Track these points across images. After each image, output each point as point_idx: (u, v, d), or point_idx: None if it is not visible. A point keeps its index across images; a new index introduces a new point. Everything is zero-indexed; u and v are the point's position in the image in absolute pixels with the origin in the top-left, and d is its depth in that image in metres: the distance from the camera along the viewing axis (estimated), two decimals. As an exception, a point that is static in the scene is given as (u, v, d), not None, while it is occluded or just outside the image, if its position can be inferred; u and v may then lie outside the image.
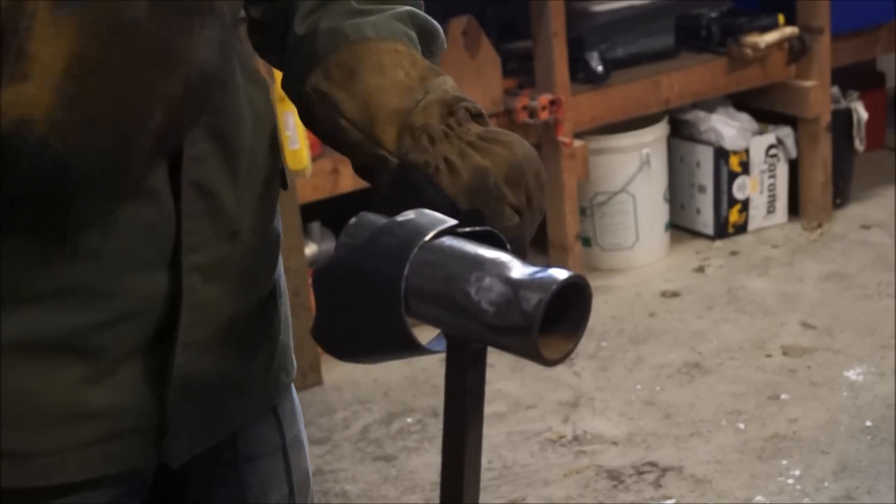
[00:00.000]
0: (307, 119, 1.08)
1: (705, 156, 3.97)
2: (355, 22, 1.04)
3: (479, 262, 0.87)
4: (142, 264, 1.00)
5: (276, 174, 1.13)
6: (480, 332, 0.87)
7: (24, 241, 0.94)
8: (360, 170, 1.06)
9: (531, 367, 3.20)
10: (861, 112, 4.13)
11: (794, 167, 4.08)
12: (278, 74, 1.15)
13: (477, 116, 1.02)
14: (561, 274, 0.85)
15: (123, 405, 1.03)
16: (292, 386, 1.22)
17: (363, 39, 1.03)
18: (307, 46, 1.06)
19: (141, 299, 1.01)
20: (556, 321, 0.86)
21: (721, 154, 3.94)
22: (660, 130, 3.89)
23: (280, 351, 1.17)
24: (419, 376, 3.31)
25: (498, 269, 0.86)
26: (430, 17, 1.09)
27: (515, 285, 0.85)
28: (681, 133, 4.02)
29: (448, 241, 0.90)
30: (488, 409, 0.95)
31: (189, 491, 1.15)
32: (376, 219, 0.94)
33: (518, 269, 0.86)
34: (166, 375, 1.03)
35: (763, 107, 4.05)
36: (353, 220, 0.96)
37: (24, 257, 0.94)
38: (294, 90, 1.09)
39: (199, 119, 0.97)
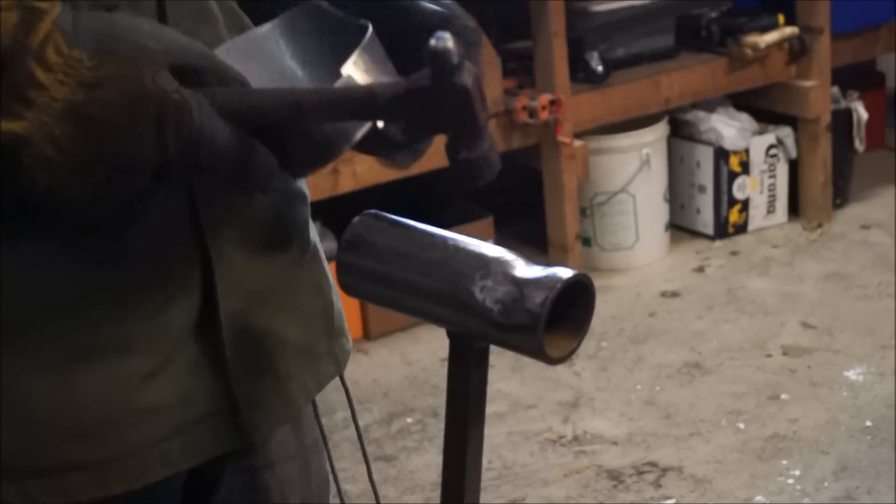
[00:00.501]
0: None
1: (705, 156, 3.97)
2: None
3: (484, 261, 0.87)
4: (168, 243, 0.99)
5: None
6: (485, 331, 0.87)
7: (48, 249, 0.93)
8: None
9: (531, 367, 3.20)
10: (861, 112, 4.13)
11: (794, 167, 4.08)
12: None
13: None
14: (565, 272, 0.85)
15: (188, 392, 1.01)
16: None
17: None
18: None
19: (179, 279, 1.00)
20: (560, 319, 0.86)
21: (721, 154, 3.94)
22: (660, 130, 3.89)
23: (337, 314, 1.15)
24: (419, 376, 3.31)
25: (502, 267, 0.87)
26: None
27: (520, 284, 0.85)
28: (681, 133, 4.02)
29: (451, 238, 0.90)
30: (488, 409, 0.95)
31: (215, 496, 1.14)
32: (379, 217, 0.94)
33: (522, 268, 0.86)
34: (221, 351, 1.02)
35: (763, 107, 4.05)
36: (356, 219, 0.96)
37: (52, 264, 0.94)
38: None
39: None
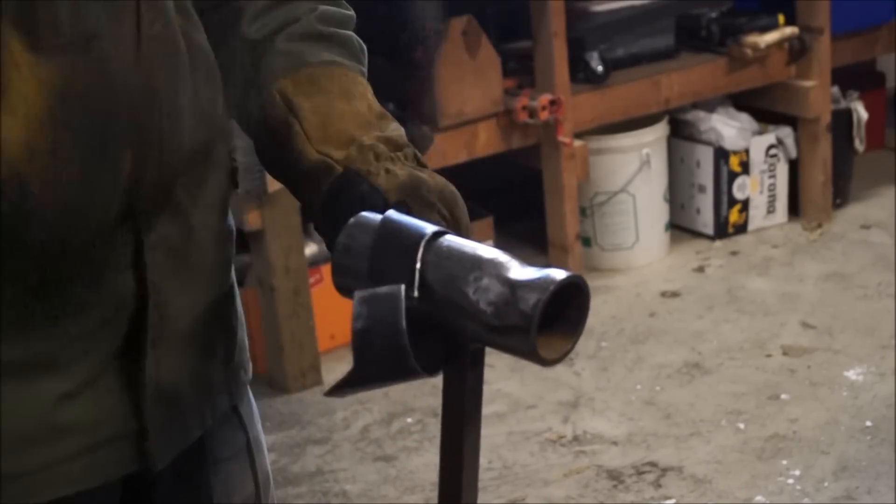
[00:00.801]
0: (253, 120, 1.10)
1: (705, 156, 3.97)
2: (323, 46, 1.10)
3: (477, 263, 0.87)
4: (109, 270, 1.00)
5: (225, 170, 1.11)
6: (478, 333, 0.87)
7: None
8: (288, 179, 1.08)
9: (531, 368, 3.19)
10: (861, 112, 4.13)
11: (794, 167, 4.08)
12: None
13: (418, 160, 1.06)
14: (559, 274, 0.85)
15: (103, 416, 1.02)
16: (248, 387, 1.22)
17: (334, 63, 1.09)
18: (266, 58, 1.10)
19: (113, 305, 1.00)
20: (555, 321, 0.86)
21: (721, 154, 3.94)
22: (660, 130, 3.89)
23: (238, 349, 1.17)
24: (419, 376, 3.31)
25: (496, 269, 0.86)
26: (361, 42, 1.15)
27: (513, 285, 0.85)
28: (681, 133, 4.02)
29: (445, 240, 0.90)
30: (488, 409, 0.95)
31: (156, 498, 1.14)
32: (374, 219, 0.94)
33: (516, 270, 0.86)
34: (140, 379, 1.03)
35: (763, 107, 4.05)
36: (351, 220, 0.96)
37: None
38: (240, 88, 1.12)
39: (173, 185, 0.98)
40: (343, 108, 1.05)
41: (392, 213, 0.94)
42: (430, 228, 0.91)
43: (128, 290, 1.01)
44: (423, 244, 0.90)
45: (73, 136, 0.90)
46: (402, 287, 0.88)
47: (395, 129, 1.06)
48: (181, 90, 1.02)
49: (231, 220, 1.15)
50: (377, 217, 0.94)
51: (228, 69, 1.12)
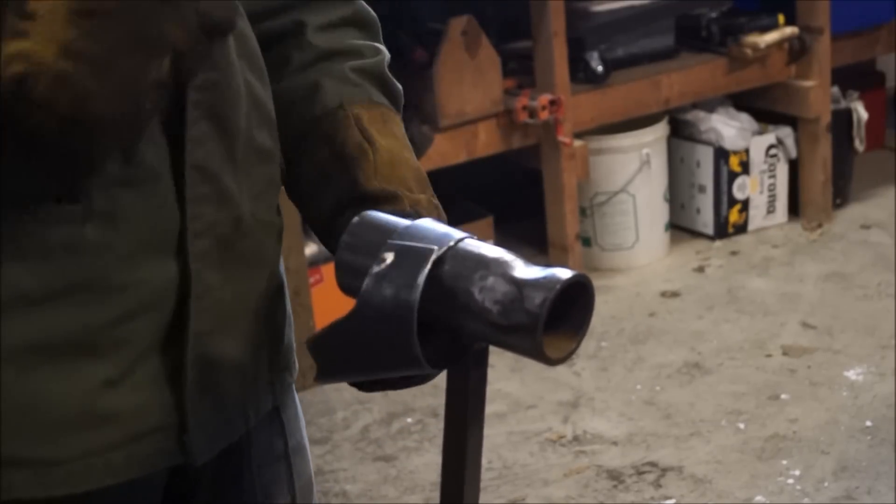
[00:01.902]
0: (307, 123, 1.13)
1: (705, 156, 3.97)
2: (386, 92, 1.18)
3: (483, 262, 0.87)
4: (151, 254, 0.99)
5: (276, 162, 1.12)
6: (484, 332, 0.87)
7: (30, 221, 0.93)
8: (316, 190, 1.12)
9: (531, 367, 3.20)
10: (861, 112, 4.13)
11: (794, 167, 4.08)
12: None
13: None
14: (565, 273, 0.85)
15: (144, 405, 1.01)
16: (294, 389, 1.22)
17: (397, 112, 1.17)
18: (332, 77, 1.14)
19: (153, 291, 1.00)
20: (560, 320, 0.86)
21: (721, 154, 3.94)
22: (660, 130, 3.89)
23: (285, 349, 1.16)
24: (419, 376, 3.31)
25: (502, 268, 0.86)
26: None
27: (519, 284, 0.85)
28: (681, 133, 4.02)
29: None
30: (488, 409, 0.95)
31: (196, 499, 1.14)
32: (378, 219, 0.94)
33: (521, 269, 0.86)
34: (182, 369, 1.02)
35: (763, 107, 4.05)
36: (355, 219, 0.96)
37: (30, 248, 0.93)
38: (297, 90, 1.14)
39: (204, 63, 0.97)
40: (408, 158, 1.11)
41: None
42: (454, 234, 0.92)
43: (169, 277, 1.00)
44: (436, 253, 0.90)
45: (104, 32, 0.87)
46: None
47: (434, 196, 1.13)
48: (232, 71, 1.03)
49: (280, 218, 1.15)
50: (381, 215, 0.94)
51: (279, 66, 1.15)
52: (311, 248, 3.36)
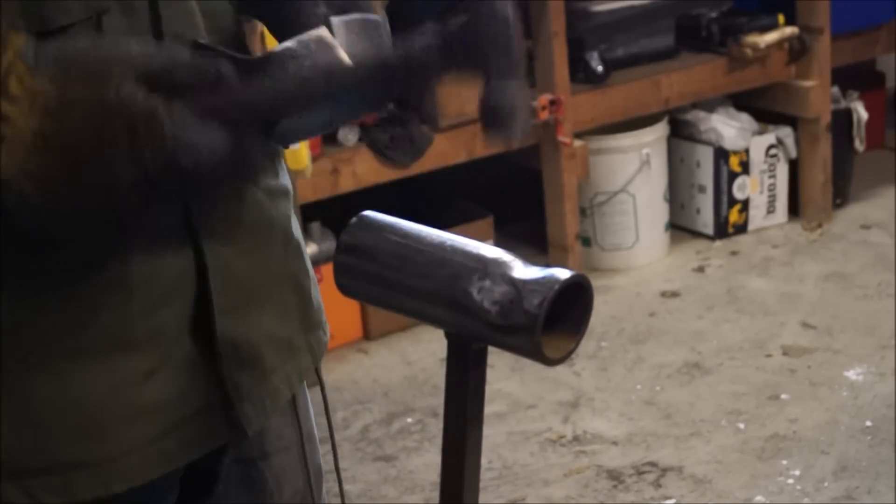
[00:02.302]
0: None
1: (705, 156, 3.97)
2: None
3: (482, 262, 0.87)
4: (165, 240, 1.00)
5: None
6: (483, 332, 0.87)
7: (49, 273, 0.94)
8: None
9: (531, 367, 3.20)
10: (861, 112, 4.13)
11: (794, 167, 4.08)
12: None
13: None
14: (563, 273, 0.85)
15: (185, 389, 1.03)
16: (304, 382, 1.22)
17: None
18: None
19: (173, 276, 1.01)
20: (558, 320, 0.86)
21: (721, 154, 3.94)
22: (660, 130, 3.89)
23: (315, 309, 1.17)
24: (419, 376, 3.31)
25: (500, 268, 0.87)
26: None
27: (518, 285, 0.85)
28: (681, 133, 4.02)
29: (449, 239, 0.90)
30: (488, 409, 0.95)
31: (213, 489, 1.15)
32: (377, 219, 0.94)
33: (520, 269, 0.86)
34: (214, 347, 1.03)
35: (763, 107, 4.05)
36: (353, 220, 0.96)
37: (49, 263, 0.94)
38: None
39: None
40: None
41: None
42: None
43: (185, 261, 1.01)
44: None
45: (73, 148, 0.89)
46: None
47: None
48: None
49: (285, 180, 1.14)
50: (379, 216, 0.94)
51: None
52: (311, 248, 3.36)
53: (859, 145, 4.16)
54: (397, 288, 0.92)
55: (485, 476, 2.76)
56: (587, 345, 3.37)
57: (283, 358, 1.12)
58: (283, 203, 1.13)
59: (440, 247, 0.90)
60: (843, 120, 4.08)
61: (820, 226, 4.05)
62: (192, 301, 1.02)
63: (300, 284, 1.15)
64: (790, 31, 3.88)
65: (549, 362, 0.86)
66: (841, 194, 4.15)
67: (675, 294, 3.68)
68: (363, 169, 3.33)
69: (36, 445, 0.98)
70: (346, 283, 0.95)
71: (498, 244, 0.90)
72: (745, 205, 4.02)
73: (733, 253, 3.92)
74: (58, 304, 0.96)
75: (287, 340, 1.12)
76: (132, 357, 0.99)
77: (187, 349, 1.03)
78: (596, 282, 3.87)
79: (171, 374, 1.02)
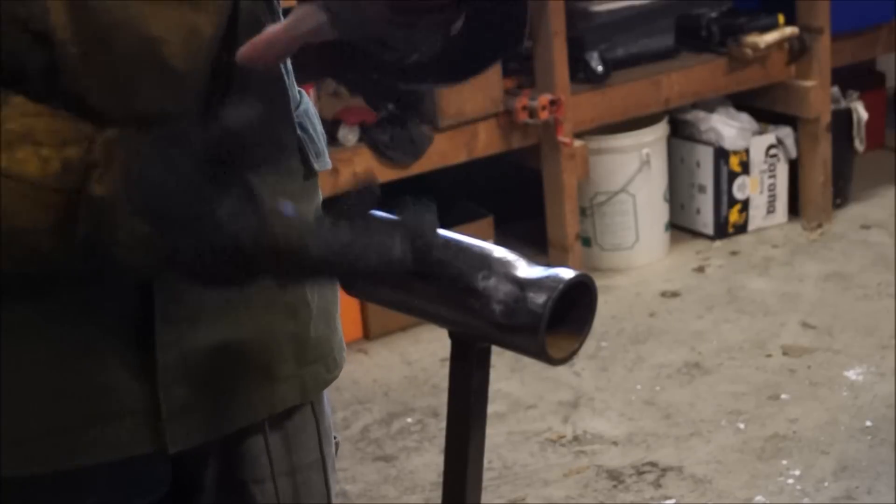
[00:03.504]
0: None
1: (705, 156, 3.97)
2: None
3: (486, 261, 0.87)
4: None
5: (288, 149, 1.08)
6: (487, 331, 0.87)
7: None
8: None
9: (531, 367, 3.20)
10: (861, 112, 4.13)
11: (794, 167, 4.08)
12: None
13: None
14: (567, 273, 0.85)
15: (109, 384, 1.00)
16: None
17: None
18: None
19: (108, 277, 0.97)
20: (562, 320, 0.86)
21: (721, 154, 3.94)
22: (660, 130, 3.89)
23: (314, 342, 1.12)
24: (419, 376, 3.31)
25: (504, 267, 0.86)
26: None
27: (522, 284, 0.85)
28: (681, 133, 4.02)
29: (453, 239, 0.90)
30: (488, 409, 0.95)
31: (196, 501, 1.13)
32: (381, 218, 0.94)
33: (524, 269, 0.86)
34: (151, 357, 1.01)
35: (763, 107, 4.05)
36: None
37: None
38: None
39: None
40: None
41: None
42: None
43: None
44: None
45: None
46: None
47: None
48: None
49: (302, 209, 1.09)
50: (383, 216, 0.94)
51: None
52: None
53: (859, 145, 4.16)
54: (402, 287, 0.91)
55: (485, 476, 2.76)
56: (587, 345, 3.35)
57: (253, 385, 1.07)
58: None
59: (444, 246, 0.89)
60: (843, 120, 4.08)
61: (820, 226, 4.05)
62: (133, 304, 1.00)
63: (296, 314, 1.10)
64: (790, 31, 3.88)
65: (553, 362, 0.86)
66: (841, 194, 4.16)
67: (675, 294, 3.68)
68: (363, 169, 3.34)
69: None
70: (352, 283, 0.95)
71: (498, 244, 0.90)
72: (745, 205, 4.02)
73: (733, 253, 3.92)
74: None
75: (264, 368, 1.08)
76: (53, 339, 0.97)
77: (120, 349, 1.00)
78: (596, 282, 3.85)
79: (97, 367, 0.99)
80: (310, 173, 1.12)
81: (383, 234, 0.83)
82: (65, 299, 0.97)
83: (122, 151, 0.82)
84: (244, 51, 0.82)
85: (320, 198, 1.16)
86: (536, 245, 3.82)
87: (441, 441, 0.96)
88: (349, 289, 0.96)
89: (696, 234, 4.06)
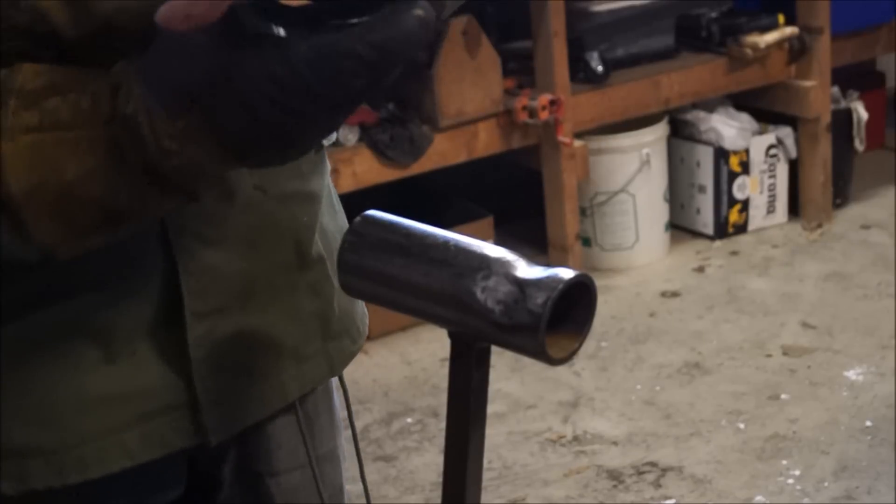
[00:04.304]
0: None
1: (705, 156, 3.97)
2: None
3: (485, 261, 0.87)
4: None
5: None
6: (486, 331, 0.87)
7: None
8: None
9: (531, 367, 3.20)
10: (861, 112, 4.13)
11: (794, 167, 4.08)
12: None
13: None
14: (567, 273, 0.85)
15: (148, 384, 1.00)
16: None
17: None
18: None
19: (138, 271, 0.98)
20: (562, 320, 0.86)
21: (721, 154, 3.94)
22: (660, 130, 3.89)
23: (339, 315, 1.13)
24: (419, 376, 3.31)
25: (504, 267, 0.86)
26: None
27: (522, 284, 0.85)
28: (681, 133, 4.02)
29: (452, 238, 0.90)
30: (488, 409, 0.95)
31: (216, 497, 1.13)
32: (381, 218, 0.94)
33: (523, 268, 0.86)
34: (186, 347, 1.01)
35: (763, 107, 4.05)
36: (357, 219, 0.96)
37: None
38: None
39: None
40: None
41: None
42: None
43: (156, 257, 0.99)
44: None
45: None
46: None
47: None
48: None
49: (313, 185, 1.10)
50: (383, 215, 0.94)
51: None
52: (311, 248, 3.35)
53: (859, 145, 4.17)
54: (401, 287, 0.91)
55: (485, 476, 2.76)
56: (587, 345, 3.36)
57: (283, 366, 1.08)
58: (302, 208, 1.09)
59: (444, 246, 0.89)
60: (843, 120, 4.08)
61: (820, 226, 4.05)
62: (160, 298, 1.00)
63: (319, 291, 1.11)
64: (790, 31, 3.88)
65: (553, 362, 0.85)
66: (841, 194, 4.16)
67: (675, 294, 3.68)
68: (363, 169, 3.34)
69: None
70: (351, 282, 0.95)
71: (498, 244, 0.90)
72: (745, 205, 4.02)
73: (733, 253, 3.92)
74: (10, 289, 0.94)
75: (293, 348, 1.08)
76: (88, 345, 0.97)
77: (156, 346, 1.00)
78: (596, 282, 3.84)
79: (134, 367, 0.99)
80: (319, 146, 1.12)
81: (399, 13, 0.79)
82: (98, 303, 0.97)
83: (136, 65, 0.81)
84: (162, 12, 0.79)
85: (328, 168, 1.16)
86: (536, 245, 3.82)
87: (441, 441, 0.96)
88: (349, 289, 0.96)
89: (696, 234, 4.06)
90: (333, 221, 1.16)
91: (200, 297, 1.01)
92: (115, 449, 1.00)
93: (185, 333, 1.01)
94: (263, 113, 0.77)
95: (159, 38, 0.79)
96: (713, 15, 3.93)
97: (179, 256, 0.99)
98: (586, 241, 3.85)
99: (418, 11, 0.79)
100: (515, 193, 4.06)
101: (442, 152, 3.46)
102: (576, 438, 2.97)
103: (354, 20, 0.79)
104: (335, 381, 1.21)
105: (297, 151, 0.84)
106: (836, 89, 4.06)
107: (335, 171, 3.27)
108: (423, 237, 0.92)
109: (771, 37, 3.84)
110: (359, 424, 3.09)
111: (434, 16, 0.81)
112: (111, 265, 0.96)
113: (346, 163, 3.31)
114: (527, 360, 0.89)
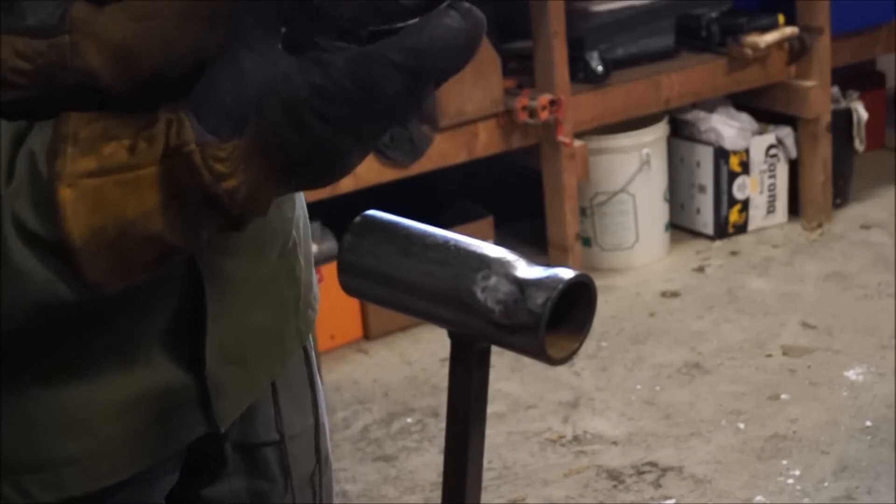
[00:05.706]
0: None
1: (705, 156, 3.97)
2: None
3: (485, 261, 0.87)
4: None
5: None
6: (486, 331, 0.87)
7: None
8: None
9: (531, 368, 3.20)
10: (861, 112, 4.13)
11: (794, 167, 4.08)
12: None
13: None
14: (567, 273, 0.85)
15: (165, 385, 1.03)
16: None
17: None
18: None
19: (165, 283, 1.01)
20: (562, 320, 0.86)
21: (721, 154, 3.94)
22: (660, 130, 3.89)
23: (304, 292, 1.18)
24: (419, 376, 3.31)
25: (504, 267, 0.86)
26: None
27: (522, 284, 0.85)
28: (681, 133, 4.02)
29: (452, 238, 0.90)
30: (488, 409, 0.95)
31: (221, 472, 1.17)
32: (381, 218, 0.94)
33: (523, 268, 0.86)
34: (202, 349, 1.04)
35: (763, 107, 4.05)
36: (357, 219, 0.96)
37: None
38: None
39: None
40: None
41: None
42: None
43: (177, 268, 1.01)
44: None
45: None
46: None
47: None
48: None
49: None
50: (383, 215, 0.94)
51: None
52: (312, 248, 3.35)
53: (859, 145, 4.17)
54: (401, 287, 0.91)
55: (485, 476, 2.76)
56: (587, 345, 3.37)
57: (271, 349, 1.14)
58: (288, 205, 1.14)
59: (444, 246, 0.89)
60: (843, 120, 4.08)
61: (820, 226, 4.05)
62: (184, 307, 1.03)
63: (295, 276, 1.16)
64: (790, 31, 3.88)
65: (553, 362, 0.85)
66: (841, 194, 4.16)
67: (675, 294, 3.68)
68: (363, 169, 3.33)
69: (26, 443, 0.98)
70: (350, 282, 0.95)
71: (498, 244, 0.90)
72: (745, 205, 4.02)
73: (733, 253, 3.93)
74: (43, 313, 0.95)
75: (277, 332, 1.14)
76: (111, 356, 1.00)
77: (174, 349, 1.03)
78: (596, 282, 3.84)
79: (152, 372, 1.02)
80: None
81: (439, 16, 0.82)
82: (123, 315, 0.99)
83: (185, 100, 0.82)
84: None
85: None
86: (536, 245, 3.82)
87: (441, 441, 0.96)
88: (349, 289, 0.96)
89: (696, 234, 4.06)
90: (299, 201, 1.20)
91: (220, 303, 1.05)
92: (140, 450, 1.03)
93: (203, 337, 1.04)
94: (308, 126, 0.78)
95: (207, 70, 0.80)
96: (713, 15, 3.93)
97: (203, 267, 1.03)
98: (586, 241, 3.85)
99: (448, 20, 0.80)
100: (515, 193, 4.06)
101: (442, 152, 3.46)
102: (576, 438, 2.97)
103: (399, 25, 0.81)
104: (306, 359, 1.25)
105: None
106: (836, 89, 4.06)
107: (335, 171, 3.27)
108: (423, 237, 0.92)
109: (771, 37, 3.84)
110: (359, 424, 3.10)
111: (474, 23, 0.83)
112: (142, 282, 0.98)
113: (346, 163, 3.30)
114: (527, 360, 0.89)
